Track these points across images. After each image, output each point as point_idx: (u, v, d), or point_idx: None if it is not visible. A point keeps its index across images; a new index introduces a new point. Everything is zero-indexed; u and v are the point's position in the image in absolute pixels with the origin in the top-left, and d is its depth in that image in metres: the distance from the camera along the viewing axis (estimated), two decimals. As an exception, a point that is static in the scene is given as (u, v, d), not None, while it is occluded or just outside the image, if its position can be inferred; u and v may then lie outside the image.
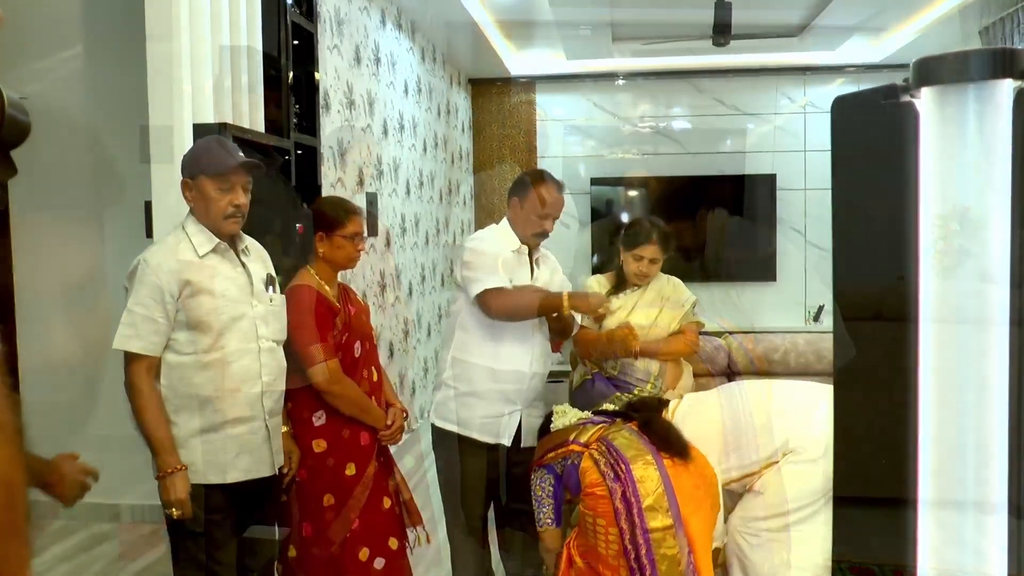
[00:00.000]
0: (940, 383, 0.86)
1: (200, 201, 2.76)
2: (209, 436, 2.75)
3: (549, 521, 3.14)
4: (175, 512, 2.68)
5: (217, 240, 2.78)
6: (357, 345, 3.16)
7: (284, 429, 3.03)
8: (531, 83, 9.05)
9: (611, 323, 3.81)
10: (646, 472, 2.89)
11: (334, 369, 3.04)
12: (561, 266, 3.76)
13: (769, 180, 8.68)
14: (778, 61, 8.59)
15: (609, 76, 8.97)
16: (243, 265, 2.86)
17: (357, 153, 5.42)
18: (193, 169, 2.76)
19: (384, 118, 6.08)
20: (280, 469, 2.96)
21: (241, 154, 2.84)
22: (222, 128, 3.48)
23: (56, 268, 4.93)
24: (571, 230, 8.82)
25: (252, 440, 2.83)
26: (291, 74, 4.36)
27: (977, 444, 0.85)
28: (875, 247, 0.91)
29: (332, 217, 3.17)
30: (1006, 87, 0.81)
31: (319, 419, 3.09)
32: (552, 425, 3.28)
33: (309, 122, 4.61)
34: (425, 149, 7.27)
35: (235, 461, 2.79)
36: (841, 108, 0.93)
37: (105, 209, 4.87)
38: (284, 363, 2.97)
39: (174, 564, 2.86)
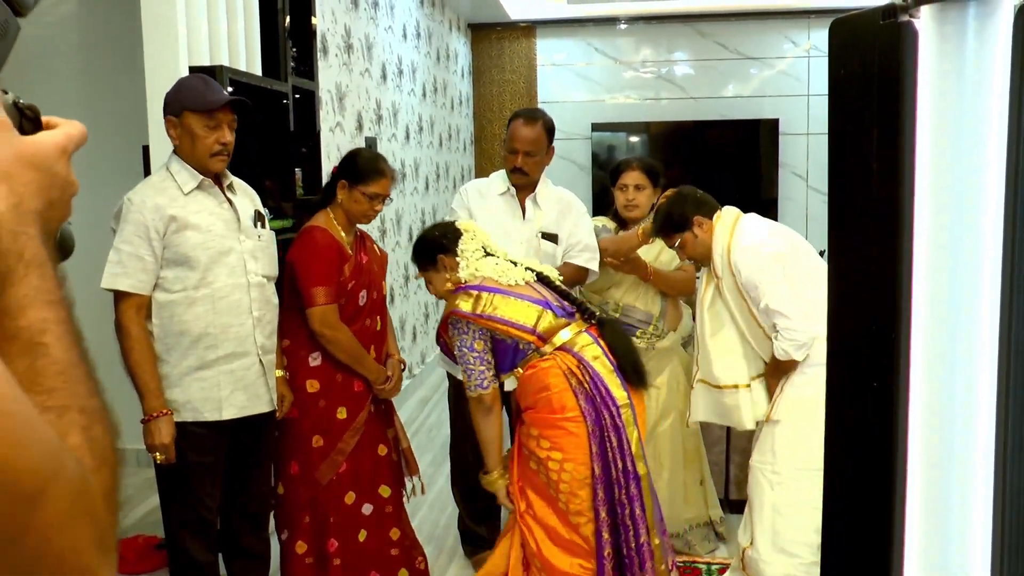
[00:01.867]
0: (931, 320, 0.86)
1: (186, 139, 2.73)
2: (203, 373, 2.75)
3: (492, 378, 2.70)
4: (159, 456, 2.69)
5: (201, 177, 2.76)
6: (363, 294, 3.15)
7: (280, 374, 3.02)
8: (531, 27, 8.95)
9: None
10: (627, 416, 2.56)
11: (329, 313, 3.03)
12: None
13: (771, 125, 8.62)
14: (782, 4, 8.47)
15: (610, 20, 8.86)
16: (229, 201, 2.84)
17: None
18: (177, 107, 2.73)
19: (383, 62, 6.02)
20: (274, 412, 2.99)
21: (225, 92, 2.81)
22: (218, 70, 3.44)
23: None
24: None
25: (246, 376, 2.83)
26: (288, 17, 4.31)
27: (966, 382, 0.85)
28: (871, 173, 0.90)
29: (360, 170, 3.11)
30: (1007, 3, 0.80)
31: (315, 360, 3.09)
32: (459, 247, 2.83)
33: (306, 66, 4.57)
34: (424, 94, 7.21)
35: (230, 397, 2.79)
36: (839, 31, 0.92)
37: (102, 154, 4.84)
38: (275, 299, 2.97)
39: (162, 503, 2.88)
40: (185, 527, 2.85)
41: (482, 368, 2.68)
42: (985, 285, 0.82)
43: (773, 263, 3.05)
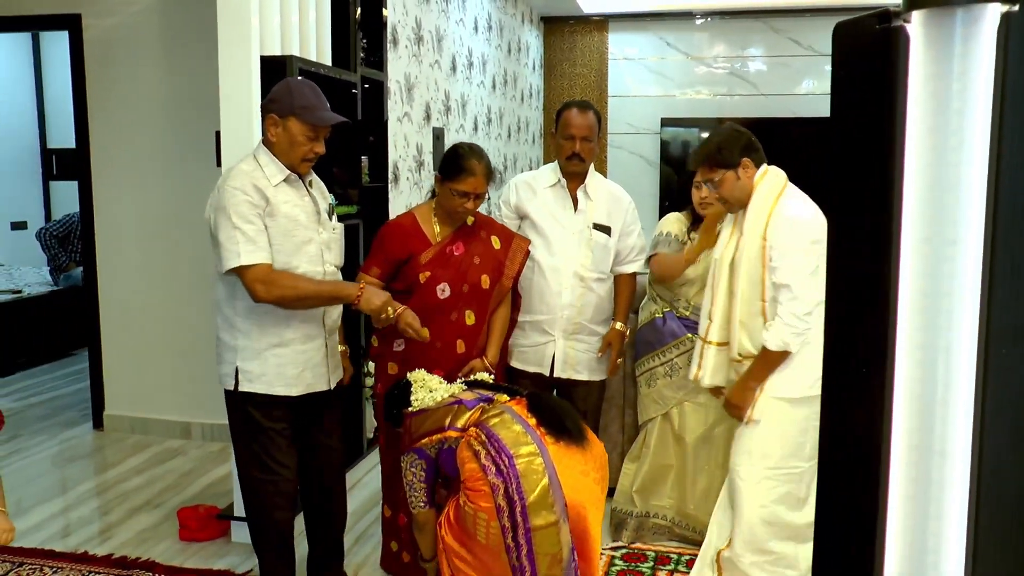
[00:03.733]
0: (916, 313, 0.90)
1: (285, 139, 2.90)
2: (279, 351, 2.95)
3: (422, 504, 2.92)
4: (390, 311, 2.92)
5: (288, 172, 2.94)
6: (443, 287, 3.20)
7: (342, 348, 3.23)
8: (604, 21, 8.98)
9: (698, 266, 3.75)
10: (530, 465, 2.63)
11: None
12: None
13: (844, 123, 8.50)
14: (858, 1, 8.34)
15: (683, 15, 8.84)
16: (310, 195, 3.03)
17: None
18: (286, 110, 2.89)
19: (453, 54, 6.11)
20: (339, 383, 3.19)
21: (329, 107, 2.99)
22: (288, 60, 3.57)
23: (134, 196, 5.12)
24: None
25: (314, 357, 3.02)
26: (359, 9, 4.42)
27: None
28: (866, 172, 0.95)
29: (452, 166, 3.19)
30: (992, 10, 0.84)
31: (399, 346, 3.23)
32: (412, 398, 2.96)
33: (376, 57, 4.68)
34: (494, 86, 7.29)
35: (300, 376, 3.00)
36: (841, 34, 0.96)
37: (180, 137, 5.02)
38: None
39: (239, 463, 3.09)
40: (263, 486, 3.04)
41: (413, 496, 2.90)
42: (966, 279, 0.87)
43: (811, 246, 2.98)
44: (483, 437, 2.68)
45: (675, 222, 3.86)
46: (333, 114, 2.98)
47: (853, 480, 0.96)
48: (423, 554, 3.07)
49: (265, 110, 2.95)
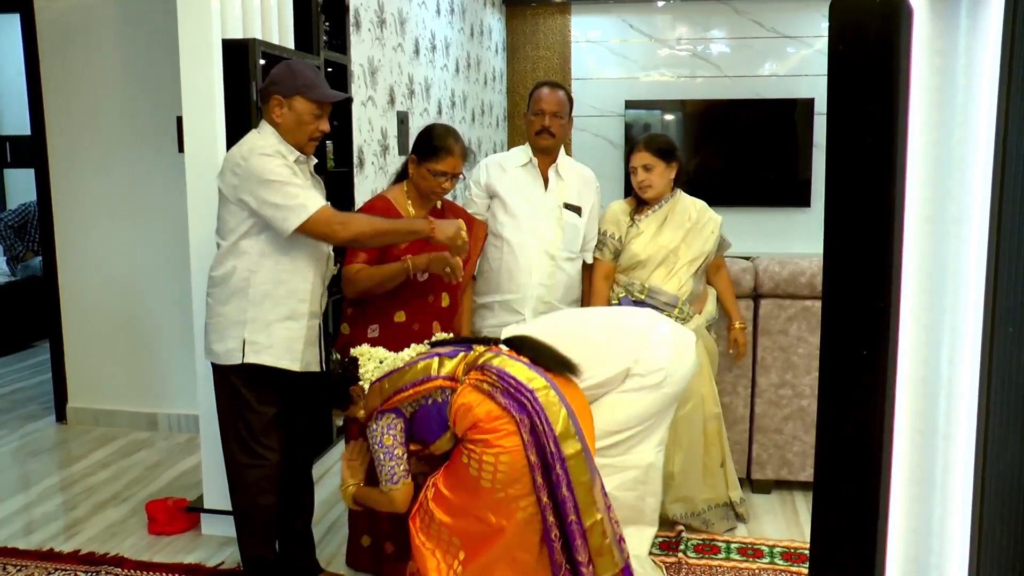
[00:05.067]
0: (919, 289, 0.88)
1: (291, 119, 2.89)
2: (289, 324, 2.94)
3: (404, 473, 2.70)
4: (464, 235, 2.98)
5: (297, 153, 2.92)
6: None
7: None
8: (567, 4, 8.92)
9: (637, 246, 3.77)
10: (547, 397, 2.58)
11: (348, 274, 3.12)
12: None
13: (807, 105, 8.55)
14: (820, -18, 8.39)
15: (646, -3, 8.83)
16: (313, 177, 3.03)
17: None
18: (290, 90, 2.87)
19: (416, 37, 6.04)
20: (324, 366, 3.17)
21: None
22: (251, 43, 3.49)
23: (93, 183, 5.01)
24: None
25: (313, 336, 3.03)
26: (321, -9, 4.35)
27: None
28: (866, 147, 0.92)
29: (431, 147, 3.16)
30: (998, -17, 0.82)
31: (373, 331, 3.19)
32: (362, 371, 2.81)
33: (339, 40, 4.61)
34: (458, 70, 7.23)
35: (304, 351, 2.99)
36: (839, 7, 0.94)
37: (139, 124, 4.92)
38: (335, 270, 3.18)
39: (225, 447, 3.05)
40: (247, 471, 3.01)
41: (392, 464, 2.69)
42: (971, 257, 0.85)
43: None
44: (493, 377, 2.59)
45: (616, 215, 3.84)
46: (335, 91, 3.00)
47: (853, 465, 0.95)
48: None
49: (267, 93, 2.92)
